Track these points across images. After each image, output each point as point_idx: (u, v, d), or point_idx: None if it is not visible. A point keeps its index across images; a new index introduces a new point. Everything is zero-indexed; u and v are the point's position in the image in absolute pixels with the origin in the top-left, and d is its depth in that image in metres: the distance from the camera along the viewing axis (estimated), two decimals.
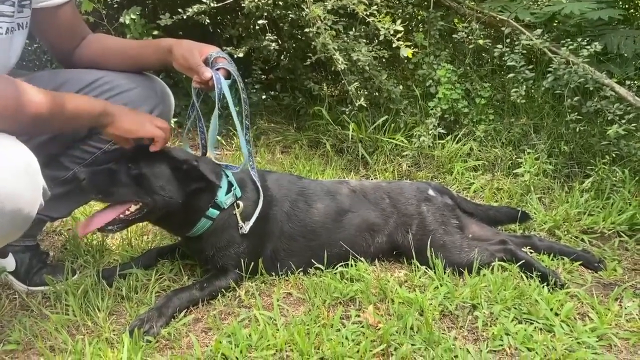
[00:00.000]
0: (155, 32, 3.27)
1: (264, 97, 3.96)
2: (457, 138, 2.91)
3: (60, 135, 1.59)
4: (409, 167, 2.88)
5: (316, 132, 3.36)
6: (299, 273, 1.80)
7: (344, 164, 3.00)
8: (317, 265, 1.81)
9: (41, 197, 1.20)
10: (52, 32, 1.67)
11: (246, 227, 1.68)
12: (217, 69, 1.59)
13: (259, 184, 1.73)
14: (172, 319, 1.53)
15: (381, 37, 2.50)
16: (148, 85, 1.73)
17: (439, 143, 2.91)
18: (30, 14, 1.51)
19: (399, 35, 2.41)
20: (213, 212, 1.68)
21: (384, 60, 3.08)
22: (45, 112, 1.27)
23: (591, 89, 2.54)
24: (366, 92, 2.87)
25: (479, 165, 2.79)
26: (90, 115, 1.44)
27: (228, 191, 1.70)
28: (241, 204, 1.70)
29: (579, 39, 2.63)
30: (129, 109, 1.55)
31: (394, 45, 2.44)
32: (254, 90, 3.75)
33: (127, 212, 1.57)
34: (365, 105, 2.78)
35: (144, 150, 1.58)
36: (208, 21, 3.10)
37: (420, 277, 1.78)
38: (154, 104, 1.71)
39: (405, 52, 2.37)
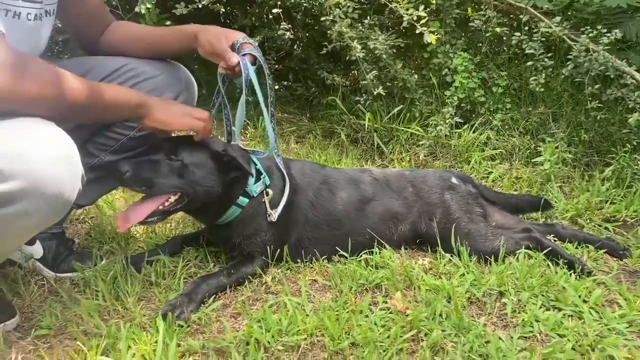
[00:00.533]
0: (168, 23, 3.26)
1: (276, 87, 3.94)
2: (474, 127, 2.90)
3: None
4: (425, 156, 2.87)
5: (330, 122, 3.36)
6: (323, 260, 1.80)
7: (360, 154, 2.99)
8: (341, 252, 1.81)
9: (80, 182, 1.20)
10: (79, 19, 1.66)
11: (275, 215, 1.68)
12: (244, 55, 1.59)
13: (284, 172, 1.73)
14: (201, 305, 1.54)
15: (405, 24, 2.48)
16: (172, 73, 1.73)
17: (455, 132, 2.90)
18: (58, 1, 1.51)
19: (423, 21, 2.39)
20: (243, 200, 1.68)
21: (395, 50, 3.05)
22: (83, 100, 1.27)
23: (612, 76, 2.52)
24: (379, 82, 2.85)
25: (496, 154, 2.77)
26: (127, 107, 1.43)
27: (256, 179, 1.70)
28: (271, 191, 1.70)
29: (599, 27, 2.60)
30: (166, 101, 1.54)
31: (417, 32, 2.42)
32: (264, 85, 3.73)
33: (167, 203, 1.57)
34: (384, 94, 2.76)
35: (184, 140, 1.58)
36: (223, 10, 3.08)
37: (445, 265, 1.78)
38: (178, 91, 1.71)
39: (429, 38, 2.35)
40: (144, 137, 1.71)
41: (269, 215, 1.68)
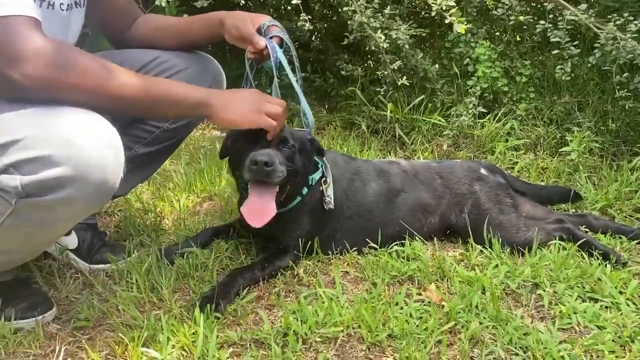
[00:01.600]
0: (185, 16, 3.25)
1: (302, 74, 3.92)
2: (497, 117, 2.87)
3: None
4: (448, 147, 2.85)
5: (349, 113, 3.34)
6: (353, 252, 1.80)
7: (381, 145, 2.97)
8: (372, 244, 1.80)
9: (122, 169, 1.21)
10: (107, 12, 1.66)
11: (332, 202, 1.66)
12: (271, 37, 1.58)
13: (325, 159, 1.73)
14: (236, 297, 1.54)
15: (433, 13, 2.44)
16: (202, 64, 1.73)
17: (478, 122, 2.87)
18: None
19: (452, 10, 2.36)
20: (304, 189, 1.69)
21: (414, 40, 3.02)
22: (131, 92, 1.26)
23: None
24: (400, 72, 2.82)
25: (521, 144, 2.74)
26: (184, 104, 1.38)
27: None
28: (329, 180, 1.69)
29: (625, 14, 2.55)
30: (234, 95, 1.46)
31: (446, 21, 2.39)
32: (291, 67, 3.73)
33: (275, 194, 1.55)
34: (408, 84, 2.73)
35: (287, 128, 1.60)
36: (243, 2, 3.07)
37: (477, 257, 1.76)
38: (208, 83, 1.70)
39: (459, 27, 2.32)
40: (178, 129, 1.71)
41: (327, 204, 1.66)
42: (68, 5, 1.42)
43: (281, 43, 1.59)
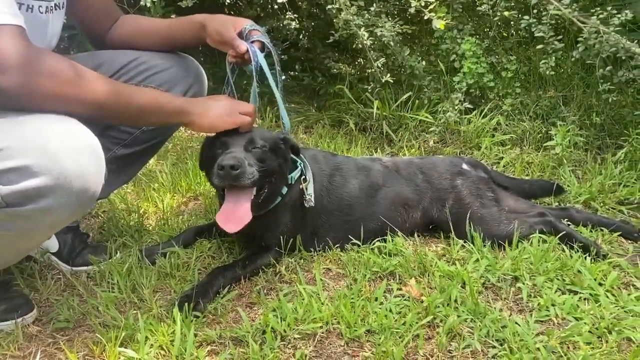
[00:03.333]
0: (173, 16, 3.25)
1: (283, 77, 3.92)
2: (484, 113, 2.88)
3: None
4: (435, 143, 2.85)
5: (338, 112, 3.34)
6: (336, 249, 1.80)
7: (369, 142, 2.98)
8: (354, 241, 1.81)
9: (104, 177, 1.21)
10: (87, 13, 1.66)
11: (312, 200, 1.67)
12: (252, 42, 1.58)
13: (304, 158, 1.73)
14: (217, 295, 1.54)
15: (412, 10, 2.45)
16: (183, 65, 1.73)
17: (465, 118, 2.87)
18: None
19: (431, 7, 2.36)
20: (284, 188, 1.69)
21: (402, 37, 3.02)
22: (105, 101, 1.27)
23: (623, 58, 2.48)
24: (387, 69, 2.83)
25: (507, 139, 2.75)
26: (163, 113, 1.42)
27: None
28: (309, 178, 1.70)
29: (609, 8, 2.56)
30: (209, 101, 1.53)
31: (425, 17, 2.39)
32: (273, 71, 3.73)
33: (252, 197, 1.56)
34: (392, 81, 2.74)
35: (258, 130, 1.61)
36: (228, 1, 3.07)
37: (458, 251, 1.77)
38: (189, 83, 1.71)
39: (438, 23, 2.33)
40: (158, 130, 1.71)
41: (307, 202, 1.67)
42: (47, 8, 1.42)
43: (262, 47, 1.60)
